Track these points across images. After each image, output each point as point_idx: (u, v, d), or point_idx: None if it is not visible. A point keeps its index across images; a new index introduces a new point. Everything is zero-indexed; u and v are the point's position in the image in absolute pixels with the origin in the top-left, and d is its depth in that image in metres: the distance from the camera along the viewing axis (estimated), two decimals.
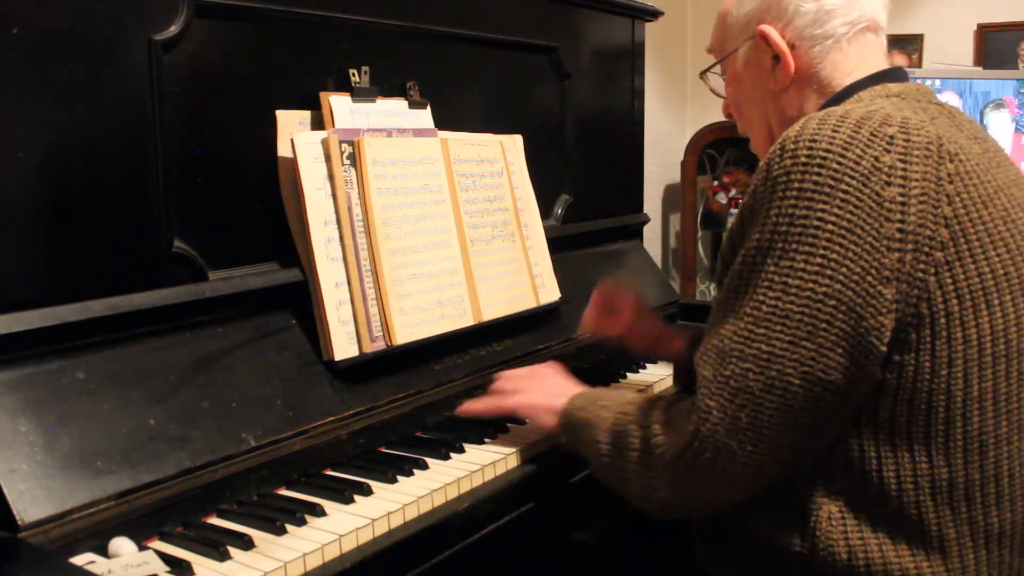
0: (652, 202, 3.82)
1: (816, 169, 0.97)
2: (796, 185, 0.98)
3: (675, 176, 3.83)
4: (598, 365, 1.81)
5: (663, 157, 3.79)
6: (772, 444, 0.98)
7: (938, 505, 1.00)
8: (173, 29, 1.23)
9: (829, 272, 0.96)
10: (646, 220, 2.32)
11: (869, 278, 0.95)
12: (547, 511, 1.34)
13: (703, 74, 1.34)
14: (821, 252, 0.96)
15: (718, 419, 0.99)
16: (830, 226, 0.96)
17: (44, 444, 1.03)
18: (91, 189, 1.17)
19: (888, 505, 1.01)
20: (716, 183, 3.82)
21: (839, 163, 0.97)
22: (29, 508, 0.98)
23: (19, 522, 0.97)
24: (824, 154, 0.97)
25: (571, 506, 1.44)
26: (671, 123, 3.92)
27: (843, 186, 0.96)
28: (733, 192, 3.79)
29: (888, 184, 0.96)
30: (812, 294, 0.96)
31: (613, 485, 1.17)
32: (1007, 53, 3.48)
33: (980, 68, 3.38)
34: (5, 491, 0.98)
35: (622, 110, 2.21)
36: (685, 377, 1.57)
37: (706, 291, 3.90)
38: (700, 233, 3.80)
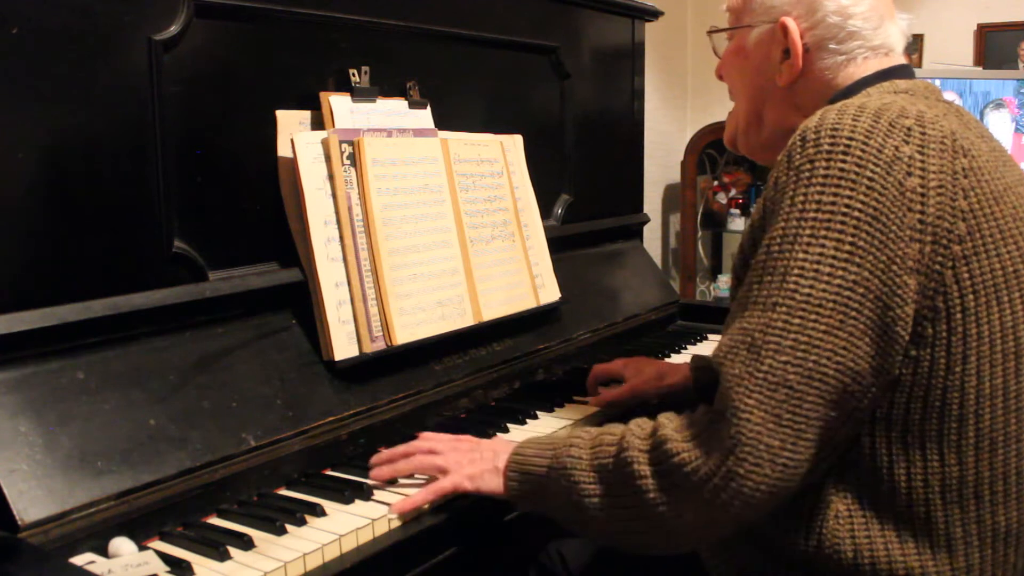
0: (652, 202, 3.83)
1: (840, 156, 0.97)
2: (821, 172, 0.97)
3: (675, 176, 3.83)
4: None
5: (663, 157, 3.79)
6: (807, 441, 0.95)
7: (947, 503, 1.00)
8: (173, 29, 1.23)
9: (857, 259, 0.95)
10: (646, 220, 2.32)
11: (895, 267, 0.95)
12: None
13: (711, 33, 1.32)
14: (850, 239, 0.95)
15: (760, 418, 0.93)
16: (856, 213, 0.95)
17: (44, 444, 1.03)
18: (91, 189, 1.17)
19: (897, 503, 1.01)
20: (716, 183, 3.82)
21: (863, 151, 0.97)
22: (29, 508, 0.98)
23: (19, 522, 0.97)
24: (847, 142, 0.97)
25: None
26: (671, 123, 3.92)
27: (868, 173, 0.96)
28: (733, 192, 3.79)
29: (909, 174, 0.96)
30: (843, 281, 0.94)
31: (611, 529, 1.05)
32: (1007, 53, 3.48)
33: (980, 68, 3.38)
34: (5, 491, 0.98)
35: (622, 110, 2.21)
36: (698, 399, 1.53)
37: (706, 291, 3.90)
38: (700, 233, 3.80)
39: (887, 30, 1.17)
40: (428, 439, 1.26)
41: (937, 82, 3.04)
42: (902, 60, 1.20)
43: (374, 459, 1.25)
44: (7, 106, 1.08)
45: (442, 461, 1.20)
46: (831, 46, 1.16)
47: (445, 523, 1.16)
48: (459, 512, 1.18)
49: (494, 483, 1.16)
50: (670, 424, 1.01)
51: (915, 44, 3.60)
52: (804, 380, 0.94)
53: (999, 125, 3.11)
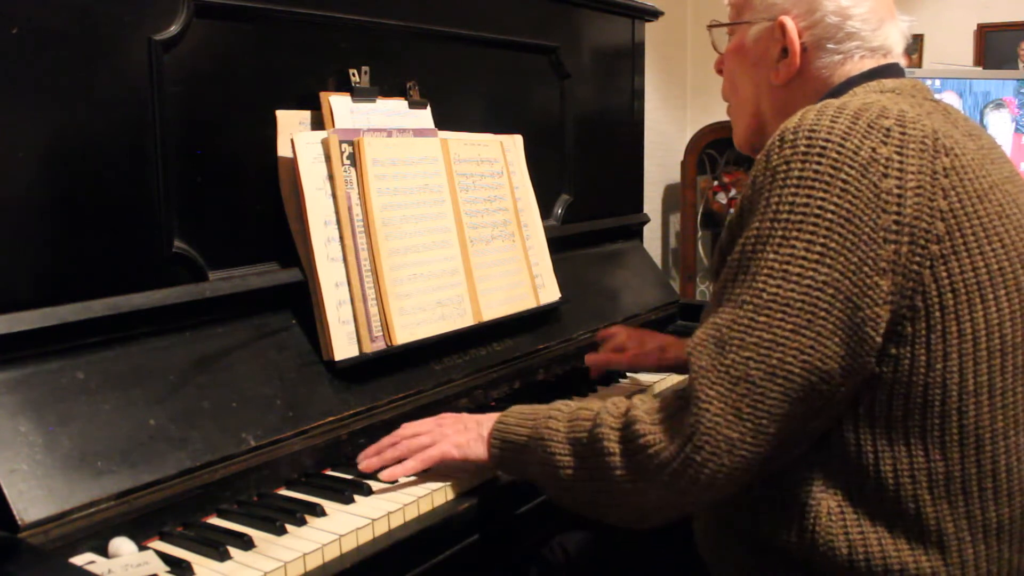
0: (652, 202, 3.83)
1: (816, 158, 0.98)
2: (796, 174, 0.98)
3: (675, 176, 3.83)
4: None
5: (663, 157, 3.79)
6: (770, 435, 0.97)
7: (936, 499, 1.01)
8: (173, 29, 1.23)
9: (828, 260, 0.96)
10: (646, 220, 2.32)
11: (866, 268, 0.96)
12: (547, 511, 1.34)
13: (711, 27, 1.34)
14: (821, 240, 0.96)
15: (719, 409, 0.96)
16: (829, 215, 0.96)
17: (44, 444, 1.03)
18: (91, 189, 1.17)
19: (886, 500, 1.01)
20: (716, 183, 3.82)
21: (838, 152, 0.98)
22: (29, 508, 0.99)
23: (19, 522, 0.97)
24: (823, 143, 0.98)
25: None
26: (671, 123, 3.92)
27: (842, 175, 0.97)
28: (733, 192, 3.79)
29: (885, 176, 0.97)
30: (812, 282, 0.96)
31: (582, 500, 1.10)
32: (1007, 53, 3.48)
33: (980, 68, 3.38)
34: (5, 491, 0.98)
35: (622, 110, 2.21)
36: None
37: (706, 291, 3.90)
38: (700, 233, 3.80)
39: (887, 32, 1.18)
40: (409, 426, 1.28)
41: (937, 82, 3.05)
42: (898, 61, 1.20)
43: (361, 455, 1.26)
44: (7, 106, 1.08)
45: (428, 439, 1.23)
46: (829, 46, 1.16)
47: (444, 522, 1.16)
48: (458, 512, 1.18)
49: (479, 450, 1.20)
50: (642, 406, 1.05)
51: (915, 44, 3.60)
52: (767, 377, 0.96)
53: (999, 125, 3.10)
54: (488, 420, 1.22)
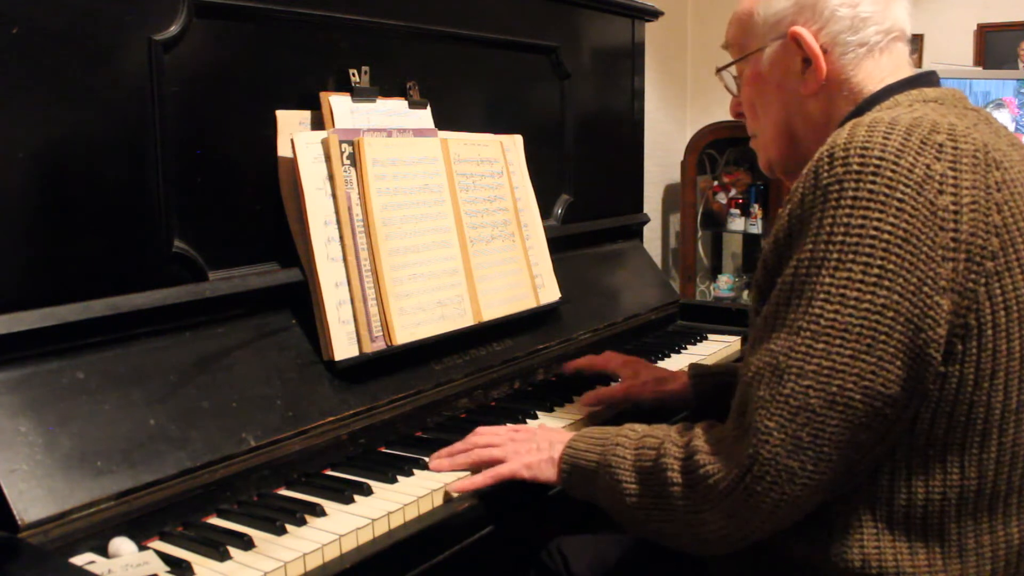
0: (652, 202, 3.83)
1: (870, 177, 0.95)
2: (850, 194, 0.95)
3: (675, 176, 3.83)
4: None
5: (663, 157, 3.79)
6: (832, 462, 0.96)
7: (962, 516, 1.00)
8: (173, 29, 1.23)
9: (887, 283, 0.94)
10: (646, 220, 2.32)
11: (926, 288, 0.94)
12: (544, 511, 1.34)
13: (720, 71, 1.30)
14: (879, 262, 0.94)
15: (779, 440, 0.95)
16: (886, 235, 0.94)
17: (44, 444, 1.03)
18: (91, 189, 1.17)
19: (912, 515, 1.00)
20: (716, 183, 3.82)
21: (893, 171, 0.95)
22: (29, 508, 0.99)
23: (19, 522, 0.97)
24: (878, 162, 0.95)
25: (568, 507, 1.43)
26: (671, 123, 3.92)
27: (898, 194, 0.94)
28: (733, 192, 3.79)
29: (941, 192, 0.95)
30: (871, 306, 0.94)
31: (648, 528, 1.10)
32: (1007, 53, 3.48)
33: (980, 68, 3.38)
34: (5, 491, 0.98)
35: (622, 110, 2.22)
36: (697, 408, 1.54)
37: (706, 291, 3.90)
38: (700, 233, 3.80)
39: (894, 11, 1.15)
40: (485, 434, 1.30)
41: None
42: (910, 47, 1.17)
43: (433, 455, 1.29)
44: (7, 106, 1.08)
45: (500, 452, 1.25)
46: (847, 38, 1.13)
47: (444, 522, 1.16)
48: (458, 511, 1.18)
49: (549, 472, 1.22)
50: (704, 435, 1.05)
51: (915, 44, 3.60)
52: (827, 405, 0.94)
53: None
54: (559, 441, 1.23)
